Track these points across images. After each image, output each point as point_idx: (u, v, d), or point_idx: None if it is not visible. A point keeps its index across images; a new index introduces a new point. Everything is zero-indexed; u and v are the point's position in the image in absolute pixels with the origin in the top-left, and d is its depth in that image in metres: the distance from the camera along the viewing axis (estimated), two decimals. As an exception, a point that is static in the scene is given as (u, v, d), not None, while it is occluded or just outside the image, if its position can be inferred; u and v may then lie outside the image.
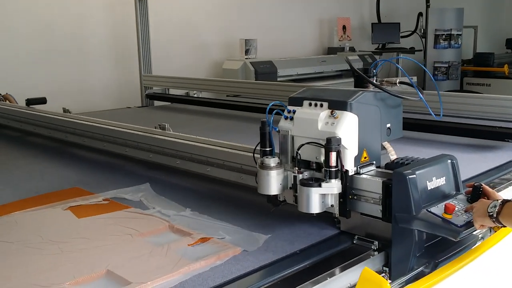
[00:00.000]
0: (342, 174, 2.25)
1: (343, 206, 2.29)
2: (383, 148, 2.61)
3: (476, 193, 2.13)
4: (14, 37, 6.84)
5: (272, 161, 2.33)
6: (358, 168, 2.30)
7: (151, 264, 2.02)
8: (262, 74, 8.21)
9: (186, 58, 8.47)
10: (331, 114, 2.23)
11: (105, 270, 2.00)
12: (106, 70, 7.71)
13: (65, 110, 4.89)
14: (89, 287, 1.91)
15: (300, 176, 2.27)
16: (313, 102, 2.35)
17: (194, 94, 6.86)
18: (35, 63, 6.98)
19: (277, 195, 2.37)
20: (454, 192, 2.22)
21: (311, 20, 10.55)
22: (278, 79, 8.51)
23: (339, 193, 2.27)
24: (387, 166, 2.42)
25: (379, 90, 2.39)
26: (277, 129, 2.40)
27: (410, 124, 5.09)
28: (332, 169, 2.17)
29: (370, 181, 2.24)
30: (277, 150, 2.42)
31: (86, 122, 4.05)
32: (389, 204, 2.14)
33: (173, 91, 7.10)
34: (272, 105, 2.40)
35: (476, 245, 2.22)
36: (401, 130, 2.56)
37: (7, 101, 6.05)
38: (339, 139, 2.16)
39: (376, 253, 2.23)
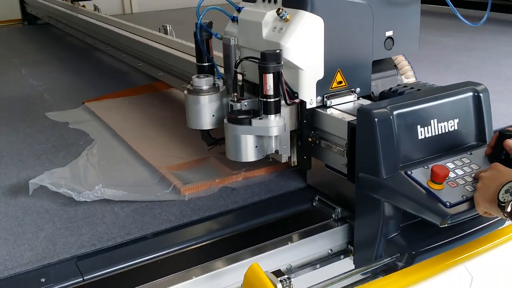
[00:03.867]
0: (298, 106, 1.52)
1: (300, 152, 1.57)
2: (393, 66, 1.78)
3: (499, 147, 1.30)
4: None
5: (204, 82, 1.63)
6: (325, 99, 1.53)
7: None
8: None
9: None
10: (278, 13, 1.44)
11: None
12: None
13: (95, 8, 4.45)
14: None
15: (238, 105, 1.56)
16: (267, -4, 1.58)
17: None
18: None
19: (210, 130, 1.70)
20: (474, 143, 1.40)
21: None
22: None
23: (297, 134, 1.55)
24: (382, 96, 1.63)
25: (374, -22, 1.53)
26: (218, 36, 1.68)
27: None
28: (270, 100, 1.43)
29: (334, 119, 1.48)
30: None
31: (92, 20, 3.64)
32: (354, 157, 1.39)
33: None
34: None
35: (494, 230, 1.40)
36: (417, 40, 1.69)
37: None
38: (279, 54, 1.40)
39: (337, 224, 1.53)
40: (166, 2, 6.11)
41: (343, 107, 1.54)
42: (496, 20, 4.77)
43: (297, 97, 1.50)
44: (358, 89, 1.59)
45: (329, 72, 1.51)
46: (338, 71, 1.54)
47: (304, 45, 1.44)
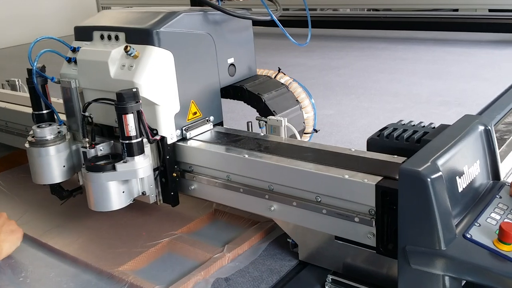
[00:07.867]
0: (158, 143, 1.47)
1: (166, 189, 1.52)
2: (296, 102, 1.70)
3: None
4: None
5: (48, 132, 1.48)
6: (184, 131, 1.52)
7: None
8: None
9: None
10: (126, 51, 1.39)
11: None
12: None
13: None
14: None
15: (92, 151, 1.45)
16: (106, 34, 1.50)
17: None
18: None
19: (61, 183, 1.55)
20: (491, 183, 1.25)
21: None
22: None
23: (159, 171, 1.50)
24: (374, 142, 1.36)
25: (212, 9, 1.57)
26: (55, 80, 1.55)
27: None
28: (133, 141, 1.36)
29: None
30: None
31: None
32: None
33: (136, 11, 6.23)
34: (40, 40, 1.52)
35: None
36: (254, 64, 1.78)
37: None
38: (136, 93, 1.35)
39: None
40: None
41: (202, 137, 1.54)
42: (332, 36, 4.95)
43: (157, 134, 1.45)
44: (212, 118, 1.61)
45: (184, 105, 1.50)
46: (192, 102, 1.54)
47: (158, 80, 1.41)
